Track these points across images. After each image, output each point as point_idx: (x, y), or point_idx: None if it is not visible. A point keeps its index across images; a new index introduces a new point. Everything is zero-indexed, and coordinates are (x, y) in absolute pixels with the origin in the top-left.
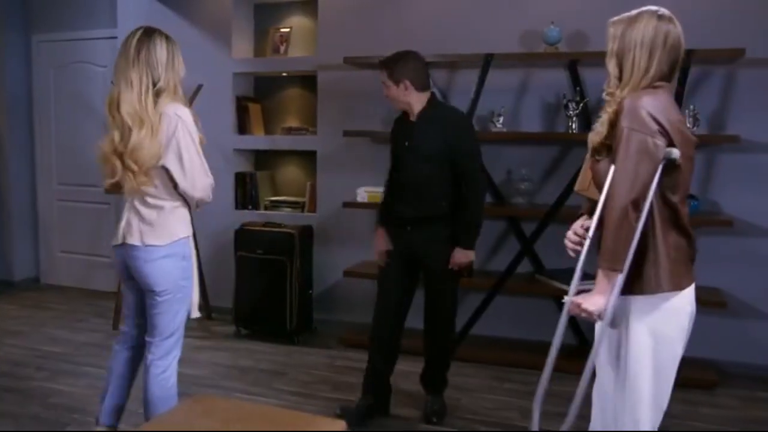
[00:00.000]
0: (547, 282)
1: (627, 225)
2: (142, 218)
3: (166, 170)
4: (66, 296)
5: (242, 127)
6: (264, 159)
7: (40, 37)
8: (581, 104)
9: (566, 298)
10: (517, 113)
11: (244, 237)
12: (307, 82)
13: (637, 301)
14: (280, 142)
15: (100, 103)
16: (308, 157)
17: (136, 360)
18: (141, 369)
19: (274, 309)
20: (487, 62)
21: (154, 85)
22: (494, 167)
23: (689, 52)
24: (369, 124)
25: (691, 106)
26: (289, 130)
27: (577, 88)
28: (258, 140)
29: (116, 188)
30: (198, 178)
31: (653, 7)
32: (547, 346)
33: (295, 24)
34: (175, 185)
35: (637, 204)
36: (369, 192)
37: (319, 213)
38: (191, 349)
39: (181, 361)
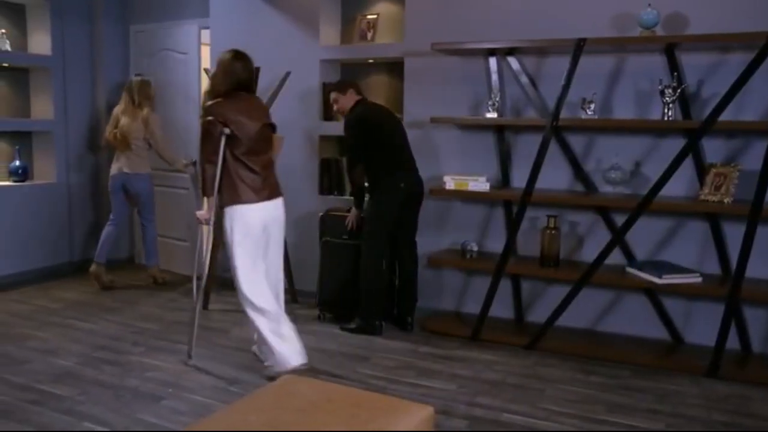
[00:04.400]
0: (636, 275)
1: (209, 171)
2: (131, 160)
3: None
4: None
5: (328, 114)
6: None
7: (136, 27)
8: (678, 90)
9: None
10: (609, 100)
11: (329, 222)
12: (394, 68)
13: (227, 210)
14: None
15: (192, 89)
16: None
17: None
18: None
19: (357, 294)
20: (579, 47)
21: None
22: (585, 156)
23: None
24: (456, 111)
25: None
26: None
27: (675, 74)
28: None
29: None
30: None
31: (235, 49)
32: (635, 340)
33: (382, 11)
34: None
35: (210, 159)
36: (455, 179)
37: None
38: None
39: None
